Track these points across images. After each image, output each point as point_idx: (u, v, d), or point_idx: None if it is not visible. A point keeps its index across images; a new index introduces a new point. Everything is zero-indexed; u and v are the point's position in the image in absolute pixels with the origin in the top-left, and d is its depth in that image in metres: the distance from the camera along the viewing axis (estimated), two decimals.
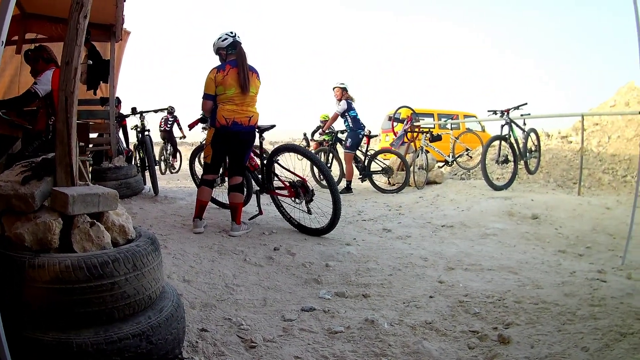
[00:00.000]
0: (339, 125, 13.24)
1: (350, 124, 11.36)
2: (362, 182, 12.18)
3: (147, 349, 2.36)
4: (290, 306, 3.77)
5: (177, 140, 19.40)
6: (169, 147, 18.52)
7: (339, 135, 12.42)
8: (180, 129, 19.22)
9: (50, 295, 2.22)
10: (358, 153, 11.85)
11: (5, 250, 2.39)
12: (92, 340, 2.20)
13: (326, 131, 12.80)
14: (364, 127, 11.57)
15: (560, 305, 3.55)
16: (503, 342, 3.00)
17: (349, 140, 11.43)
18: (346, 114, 11.35)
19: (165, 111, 9.86)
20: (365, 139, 12.00)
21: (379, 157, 12.37)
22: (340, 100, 11.42)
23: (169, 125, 18.70)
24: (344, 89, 11.41)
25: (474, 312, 3.52)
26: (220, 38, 6.26)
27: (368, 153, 12.12)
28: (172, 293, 2.85)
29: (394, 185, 11.99)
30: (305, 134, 16.86)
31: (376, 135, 14.22)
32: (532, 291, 3.90)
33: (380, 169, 12.14)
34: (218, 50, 6.33)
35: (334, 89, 11.58)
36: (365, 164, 11.87)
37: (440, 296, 3.90)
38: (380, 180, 12.42)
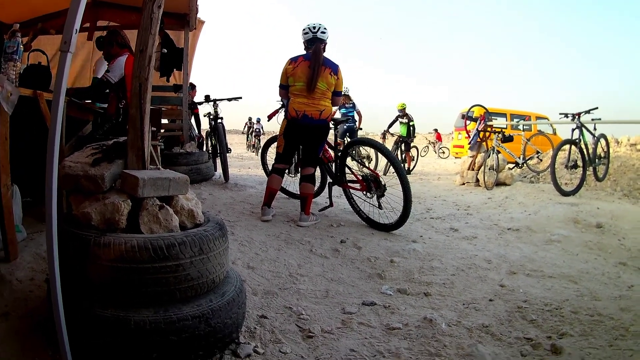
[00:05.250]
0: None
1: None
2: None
3: (205, 331, 2.41)
4: (352, 299, 3.78)
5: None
6: (257, 140, 32.18)
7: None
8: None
9: (114, 273, 2.29)
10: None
11: (71, 228, 2.47)
12: (150, 318, 2.26)
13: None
14: (348, 120, 13.17)
15: (614, 319, 3.46)
16: (555, 352, 2.94)
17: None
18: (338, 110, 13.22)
19: (239, 99, 9.95)
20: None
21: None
22: None
23: (259, 132, 32.84)
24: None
25: (531, 319, 3.45)
26: (303, 30, 6.33)
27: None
28: (235, 278, 2.90)
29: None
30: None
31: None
32: (589, 302, 3.81)
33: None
34: (303, 42, 6.39)
35: None
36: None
37: (500, 300, 3.85)
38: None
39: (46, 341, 2.54)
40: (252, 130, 34.15)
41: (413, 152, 17.39)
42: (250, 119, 35.24)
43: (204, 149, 11.14)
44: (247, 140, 35.03)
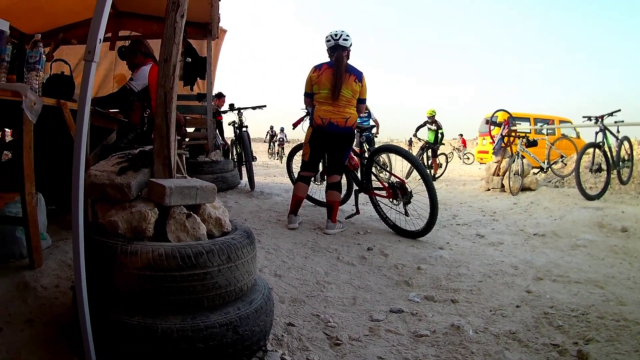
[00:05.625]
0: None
1: None
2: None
3: (233, 338, 2.40)
4: (379, 307, 3.76)
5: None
6: (280, 148, 35.06)
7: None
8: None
9: (141, 281, 2.30)
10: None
11: (97, 236, 2.48)
12: (177, 326, 2.27)
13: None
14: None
15: None
16: (581, 358, 2.91)
17: None
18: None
19: (263, 108, 10.03)
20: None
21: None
22: None
23: (282, 140, 35.61)
24: None
25: (558, 325, 3.42)
26: (326, 38, 6.34)
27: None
28: (263, 286, 2.90)
29: None
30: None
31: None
32: (615, 307, 3.76)
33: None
34: (326, 50, 6.40)
35: None
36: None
37: (527, 306, 3.81)
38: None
39: (71, 348, 2.55)
40: (275, 138, 36.87)
41: (442, 159, 17.54)
42: (272, 127, 37.93)
43: (229, 157, 11.20)
44: (269, 148, 37.39)
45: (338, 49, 6.18)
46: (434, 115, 15.97)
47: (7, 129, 7.03)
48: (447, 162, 18.16)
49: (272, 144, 37.33)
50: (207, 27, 8.95)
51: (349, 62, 6.30)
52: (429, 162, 15.91)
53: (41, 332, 2.73)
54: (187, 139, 8.81)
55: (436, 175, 16.05)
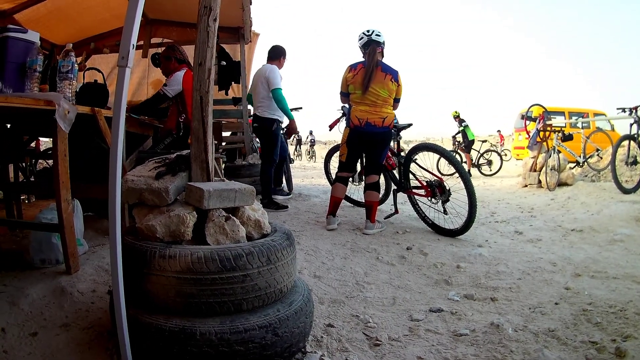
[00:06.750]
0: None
1: None
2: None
3: (272, 340, 2.39)
4: (419, 306, 3.75)
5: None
6: (312, 149, 39.34)
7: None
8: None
9: (180, 284, 2.31)
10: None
11: (135, 241, 2.51)
12: (217, 329, 2.26)
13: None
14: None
15: None
16: (619, 355, 2.86)
17: None
18: None
19: (299, 110, 10.05)
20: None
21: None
22: None
23: (313, 141, 40.49)
24: None
25: (596, 321, 3.37)
26: (359, 37, 6.35)
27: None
28: (303, 287, 2.90)
29: None
30: None
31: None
32: None
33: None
34: (360, 49, 6.39)
35: None
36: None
37: (566, 303, 3.77)
38: None
39: (108, 353, 2.59)
40: (305, 141, 42.13)
41: (495, 157, 18.47)
42: (297, 132, 40.63)
43: None
44: (295, 150, 40.35)
45: (372, 44, 6.15)
46: (458, 115, 16.60)
47: (41, 138, 7.12)
48: (502, 160, 18.38)
49: (297, 147, 40.91)
50: (240, 31, 8.98)
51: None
52: (463, 158, 16.46)
53: (77, 336, 2.77)
54: (223, 143, 8.83)
55: (470, 171, 16.25)
